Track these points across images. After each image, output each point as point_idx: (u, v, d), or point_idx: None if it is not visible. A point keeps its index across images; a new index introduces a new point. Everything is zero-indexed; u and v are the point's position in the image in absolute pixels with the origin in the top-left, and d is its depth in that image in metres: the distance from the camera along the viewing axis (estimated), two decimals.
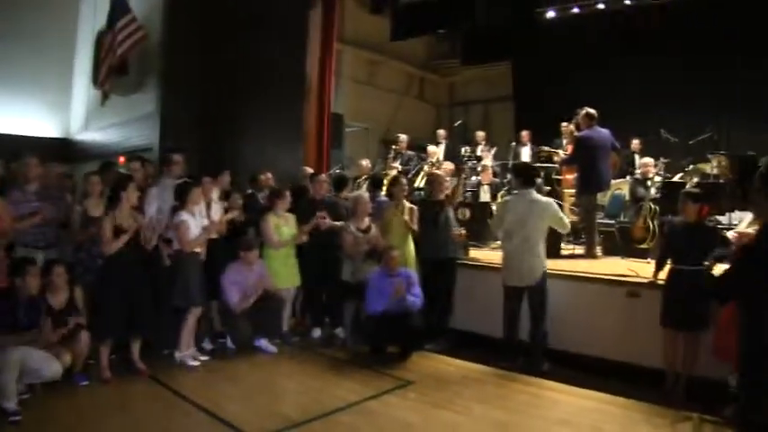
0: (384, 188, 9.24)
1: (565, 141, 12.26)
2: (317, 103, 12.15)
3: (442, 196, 7.91)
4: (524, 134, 13.69)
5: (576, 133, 11.68)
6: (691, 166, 10.24)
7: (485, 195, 11.49)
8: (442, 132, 14.42)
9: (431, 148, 13.25)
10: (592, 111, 9.20)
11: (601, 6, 14.36)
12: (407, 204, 7.73)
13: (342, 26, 15.79)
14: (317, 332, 8.24)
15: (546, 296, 6.92)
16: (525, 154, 13.43)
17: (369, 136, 15.68)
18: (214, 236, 7.20)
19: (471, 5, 13.53)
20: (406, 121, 17.22)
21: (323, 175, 8.78)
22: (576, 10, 14.75)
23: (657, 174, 9.74)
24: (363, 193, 8.74)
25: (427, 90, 19.17)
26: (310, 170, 10.01)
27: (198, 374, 6.59)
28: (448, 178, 9.26)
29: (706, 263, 5.91)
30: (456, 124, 14.90)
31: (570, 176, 11.69)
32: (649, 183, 9.99)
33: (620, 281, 7.00)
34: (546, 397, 6.09)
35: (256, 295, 7.32)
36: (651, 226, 8.93)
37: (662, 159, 10.47)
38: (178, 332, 6.77)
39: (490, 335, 7.43)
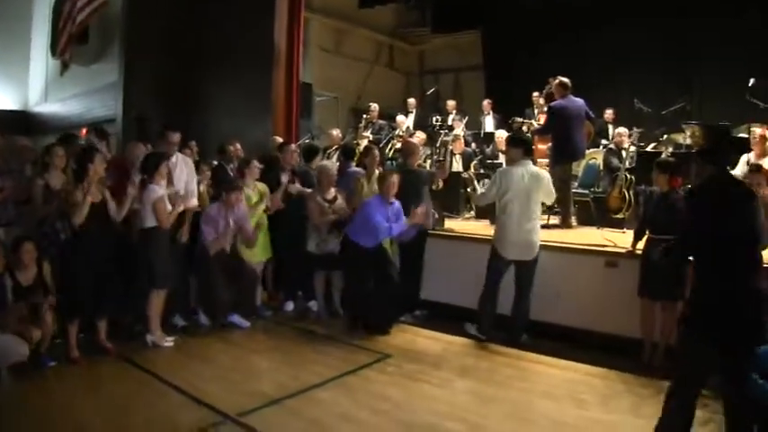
0: (356, 158, 9.09)
1: (536, 111, 12.20)
2: (286, 72, 11.85)
3: (416, 164, 7.83)
4: (486, 103, 13.72)
5: (548, 103, 11.80)
6: (665, 136, 10.20)
7: (456, 165, 11.37)
8: (412, 101, 14.27)
9: (400, 117, 13.10)
10: (565, 80, 9.11)
11: None
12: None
13: None
14: (289, 305, 8.13)
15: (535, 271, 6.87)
16: (489, 123, 13.37)
17: (338, 105, 15.41)
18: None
19: None
20: (376, 90, 16.96)
21: (293, 145, 8.63)
22: None
23: (632, 144, 9.68)
24: (328, 162, 8.53)
25: (397, 58, 18.90)
26: (280, 140, 9.81)
27: (171, 353, 6.42)
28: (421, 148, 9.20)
29: None
30: (429, 92, 14.73)
31: (543, 146, 11.63)
32: (624, 153, 9.98)
33: (597, 251, 6.97)
34: (527, 369, 6.07)
35: (231, 237, 7.21)
36: (627, 196, 8.92)
37: (635, 129, 10.41)
38: (146, 313, 6.55)
39: (466, 306, 7.30)
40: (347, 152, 8.98)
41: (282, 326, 7.47)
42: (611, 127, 12.01)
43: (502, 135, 11.05)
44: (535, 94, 12.44)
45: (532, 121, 11.07)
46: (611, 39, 13.26)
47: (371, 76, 17.63)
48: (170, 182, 6.67)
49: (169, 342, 6.61)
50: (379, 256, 7.12)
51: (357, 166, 8.61)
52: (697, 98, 11.60)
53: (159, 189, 6.37)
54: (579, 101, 9.01)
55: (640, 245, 6.31)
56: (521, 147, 7.04)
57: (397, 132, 12.46)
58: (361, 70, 17.43)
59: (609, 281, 6.66)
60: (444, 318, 7.60)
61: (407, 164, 7.74)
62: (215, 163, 8.48)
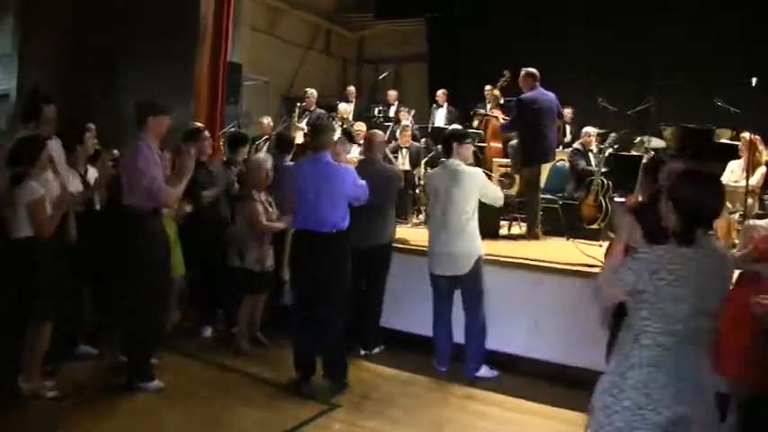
0: (292, 151, 7.54)
1: (489, 106, 10.99)
2: (212, 51, 10.19)
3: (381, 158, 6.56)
4: (440, 94, 12.35)
5: (504, 96, 10.62)
6: (638, 138, 9.09)
7: (404, 162, 10.00)
8: (352, 90, 12.83)
9: (342, 106, 11.65)
10: (532, 70, 7.91)
11: None
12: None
13: None
14: (207, 331, 6.59)
15: (481, 288, 5.61)
16: (441, 116, 12.10)
17: (269, 91, 13.81)
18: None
19: None
20: (311, 77, 15.40)
21: (206, 132, 6.89)
22: None
23: (610, 146, 8.48)
24: (262, 155, 6.91)
25: (334, 44, 17.38)
26: (199, 126, 8.16)
27: (48, 407, 4.71)
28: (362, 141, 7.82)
29: None
30: (381, 77, 13.15)
31: (496, 144, 10.45)
32: (590, 155, 8.85)
33: (579, 270, 5.73)
34: (491, 416, 4.92)
35: None
36: (603, 204, 7.71)
37: (593, 129, 9.30)
38: (19, 353, 4.81)
39: (424, 334, 5.99)
40: (282, 143, 7.29)
41: (196, 359, 5.91)
42: (568, 127, 11.02)
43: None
44: (488, 87, 11.20)
45: (497, 114, 9.72)
46: (570, 32, 12.11)
47: (306, 61, 16.07)
48: (55, 172, 5.06)
49: (52, 391, 4.86)
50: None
51: (293, 160, 7.05)
52: (661, 99, 10.53)
53: (38, 186, 4.74)
54: (551, 94, 7.84)
55: None
56: (443, 143, 5.98)
57: (338, 122, 11.01)
58: (294, 54, 15.85)
59: (592, 306, 5.37)
60: (405, 349, 6.22)
61: (372, 158, 6.30)
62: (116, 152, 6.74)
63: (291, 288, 5.70)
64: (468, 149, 5.78)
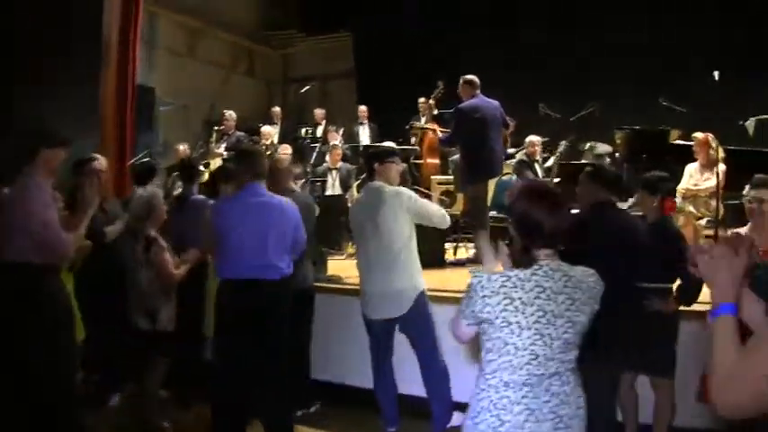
0: (204, 181, 6.47)
1: (424, 120, 10.21)
2: (118, 74, 9.18)
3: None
4: (362, 110, 11.62)
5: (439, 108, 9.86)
6: (588, 145, 8.34)
7: (334, 184, 9.07)
8: (277, 110, 11.89)
9: (265, 128, 10.66)
10: (471, 77, 7.12)
11: None
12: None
13: None
14: (114, 399, 5.47)
15: (431, 328, 4.60)
16: (364, 134, 11.27)
17: (189, 116, 12.69)
18: None
19: None
20: (234, 100, 14.36)
21: (99, 161, 5.69)
22: None
23: (560, 155, 7.70)
24: (151, 190, 5.68)
25: (258, 64, 16.38)
26: (98, 158, 7.01)
27: None
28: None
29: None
30: (303, 90, 12.05)
31: (433, 160, 9.67)
32: (536, 165, 8.08)
33: None
34: None
35: None
36: None
37: (538, 138, 8.59)
38: None
39: (365, 387, 5.04)
40: (187, 172, 6.07)
41: None
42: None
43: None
44: (421, 99, 10.52)
45: (435, 127, 8.85)
46: (505, 38, 11.34)
47: (229, 83, 15.05)
48: None
49: None
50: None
51: (207, 191, 5.97)
52: (605, 103, 9.87)
53: None
54: (494, 102, 7.08)
55: None
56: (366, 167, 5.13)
57: (261, 146, 9.99)
58: (216, 77, 14.82)
59: None
60: (348, 406, 5.28)
61: (282, 189, 5.26)
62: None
63: (219, 355, 4.59)
64: (392, 169, 4.74)
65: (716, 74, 7.23)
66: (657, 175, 4.40)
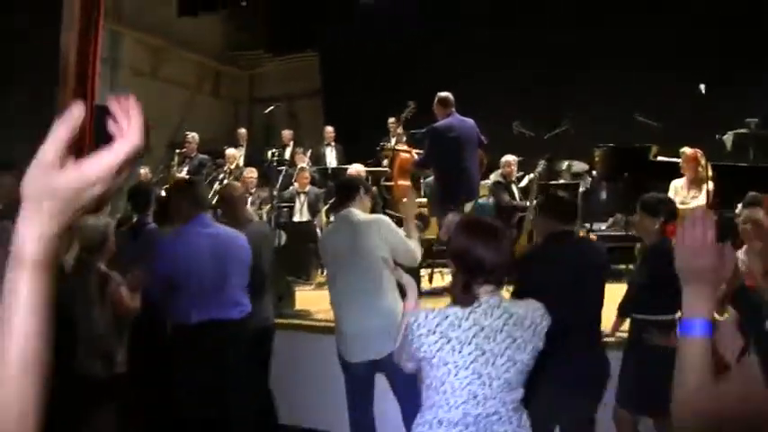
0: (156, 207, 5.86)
1: (394, 141, 9.82)
2: (76, 92, 8.68)
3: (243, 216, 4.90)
4: (329, 131, 11.23)
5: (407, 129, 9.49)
6: (566, 164, 8.05)
7: (302, 209, 8.64)
8: (242, 132, 11.44)
9: (230, 150, 10.18)
10: (446, 94, 6.76)
11: None
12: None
13: (120, 2, 12.47)
14: None
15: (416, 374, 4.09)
16: (331, 155, 10.88)
17: (152, 138, 12.20)
18: None
19: None
20: (200, 121, 13.97)
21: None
22: None
23: (538, 175, 7.37)
24: (93, 220, 4.97)
25: (224, 85, 15.95)
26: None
27: None
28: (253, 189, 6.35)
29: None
30: (267, 111, 11.59)
31: (405, 182, 9.27)
32: (513, 186, 7.75)
33: None
34: None
35: None
36: None
37: (513, 158, 8.29)
38: None
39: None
40: (141, 199, 5.31)
41: None
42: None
43: (358, 169, 8.52)
44: (391, 120, 10.09)
45: (407, 148, 8.47)
46: (477, 55, 11.03)
47: (194, 104, 14.59)
48: None
49: None
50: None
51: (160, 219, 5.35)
52: (579, 120, 9.61)
53: None
54: (469, 121, 6.72)
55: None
56: (339, 191, 4.53)
57: (226, 169, 9.54)
58: (182, 98, 14.36)
59: None
60: None
61: (238, 217, 4.81)
62: None
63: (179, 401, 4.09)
64: (367, 201, 4.33)
65: (702, 87, 7.00)
66: (657, 196, 4.13)
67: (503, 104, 10.16)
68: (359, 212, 4.14)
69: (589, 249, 3.97)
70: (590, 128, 9.54)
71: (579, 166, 8.61)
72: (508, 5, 11.02)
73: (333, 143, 11.12)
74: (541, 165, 7.36)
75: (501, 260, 2.34)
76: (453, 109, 6.68)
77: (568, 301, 3.26)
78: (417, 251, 4.12)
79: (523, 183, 8.56)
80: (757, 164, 7.56)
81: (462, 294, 2.32)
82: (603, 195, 8.24)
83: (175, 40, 13.86)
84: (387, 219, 4.19)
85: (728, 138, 7.95)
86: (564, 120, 9.24)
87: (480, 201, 7.25)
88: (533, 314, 2.37)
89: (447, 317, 2.29)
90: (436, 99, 6.75)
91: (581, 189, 6.49)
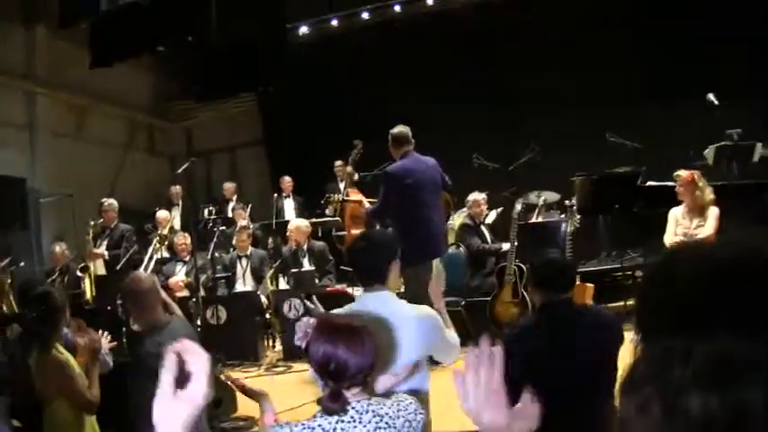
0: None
1: (342, 185, 8.68)
2: None
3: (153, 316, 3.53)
4: (286, 182, 10.02)
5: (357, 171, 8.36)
6: (543, 198, 6.92)
7: (243, 275, 7.34)
8: (176, 190, 10.07)
9: (161, 213, 8.89)
10: (400, 129, 5.58)
11: (365, 16, 10.67)
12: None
13: (32, 60, 11.18)
14: None
15: None
16: (289, 208, 9.66)
17: (78, 207, 10.68)
18: None
19: (201, 15, 9.26)
20: (135, 181, 12.64)
21: None
22: (334, 22, 10.99)
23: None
24: None
25: (159, 140, 14.50)
26: None
27: None
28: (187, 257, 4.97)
29: None
30: (184, 166, 9.83)
31: (357, 231, 8.08)
32: (483, 228, 6.59)
33: None
34: None
35: None
36: (526, 298, 5.37)
37: (481, 195, 7.15)
38: None
39: None
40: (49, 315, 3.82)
41: None
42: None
43: (300, 225, 7.33)
44: (338, 163, 9.20)
45: (360, 197, 7.16)
46: (425, 88, 9.88)
47: (127, 163, 13.16)
48: None
49: None
50: None
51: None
52: (545, 147, 8.54)
53: None
54: (429, 160, 5.58)
55: None
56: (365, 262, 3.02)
57: (156, 235, 8.18)
58: (112, 158, 12.92)
59: None
60: None
61: (145, 319, 3.45)
62: None
63: None
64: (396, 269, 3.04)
65: (711, 96, 6.01)
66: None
67: (459, 136, 9.00)
68: (391, 295, 2.93)
69: (595, 323, 3.18)
70: (558, 154, 8.55)
71: (551, 196, 7.55)
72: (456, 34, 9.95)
73: (291, 194, 9.90)
74: (520, 203, 6.17)
75: (366, 362, 2.14)
76: (411, 147, 5.50)
77: (564, 385, 2.59)
78: (458, 345, 3.04)
79: (490, 219, 7.44)
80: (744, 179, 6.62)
81: (329, 403, 2.10)
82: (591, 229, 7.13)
83: (99, 96, 12.46)
84: (432, 312, 2.93)
85: (710, 152, 7.07)
86: (528, 148, 8.26)
87: (451, 251, 6.02)
88: (405, 411, 2.18)
89: (312, 430, 2.08)
90: (390, 137, 5.58)
91: (567, 228, 5.31)
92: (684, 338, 0.81)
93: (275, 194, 9.90)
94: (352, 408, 2.08)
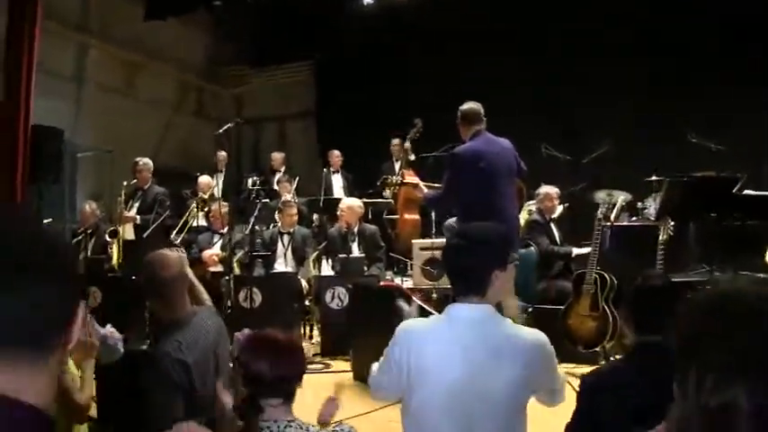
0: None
1: (398, 166, 7.98)
2: (5, 109, 6.81)
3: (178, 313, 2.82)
4: (335, 157, 9.37)
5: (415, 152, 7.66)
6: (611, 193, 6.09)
7: (284, 255, 6.64)
8: (222, 155, 9.37)
9: (203, 178, 8.24)
10: (471, 105, 4.77)
11: None
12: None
13: (86, 12, 10.75)
14: None
15: None
16: (337, 185, 8.98)
17: (117, 164, 10.00)
18: None
19: None
20: (181, 144, 12.07)
21: None
22: None
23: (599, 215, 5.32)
24: None
25: (207, 104, 13.95)
26: None
27: None
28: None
29: None
30: (227, 126, 8.89)
31: (412, 216, 7.39)
32: (553, 226, 5.78)
33: None
34: None
35: None
36: (608, 312, 4.53)
37: (554, 189, 6.34)
38: None
39: None
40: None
41: None
42: None
43: (353, 205, 6.60)
44: (395, 141, 8.48)
45: (416, 181, 6.30)
46: (498, 67, 8.98)
47: (174, 125, 12.61)
48: None
49: None
50: None
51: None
52: (623, 141, 7.70)
53: None
54: (505, 142, 4.75)
55: None
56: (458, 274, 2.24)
57: (193, 200, 7.54)
58: (159, 118, 12.38)
59: None
60: None
61: (170, 309, 2.75)
62: None
63: None
64: (511, 275, 2.30)
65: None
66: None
67: (527, 122, 8.12)
68: (497, 314, 2.19)
69: None
70: (630, 152, 7.72)
71: (621, 196, 6.70)
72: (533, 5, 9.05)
73: (340, 170, 9.21)
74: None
75: (285, 374, 2.15)
76: (483, 126, 4.69)
77: None
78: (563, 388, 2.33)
79: (556, 213, 6.63)
80: None
81: (242, 404, 2.12)
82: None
83: (151, 53, 11.92)
84: (544, 338, 2.18)
85: None
86: (604, 142, 7.43)
87: (522, 251, 5.19)
88: None
89: None
90: (459, 114, 4.78)
91: (661, 236, 4.48)
92: None
93: (324, 169, 9.20)
94: (268, 429, 2.06)
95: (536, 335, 2.16)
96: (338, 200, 7.42)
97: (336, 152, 9.39)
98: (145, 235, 6.33)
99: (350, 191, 8.78)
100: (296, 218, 6.89)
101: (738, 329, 0.90)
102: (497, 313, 2.16)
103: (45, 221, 7.22)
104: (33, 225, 0.98)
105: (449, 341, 2.09)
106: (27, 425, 0.80)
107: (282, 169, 9.65)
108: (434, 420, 2.07)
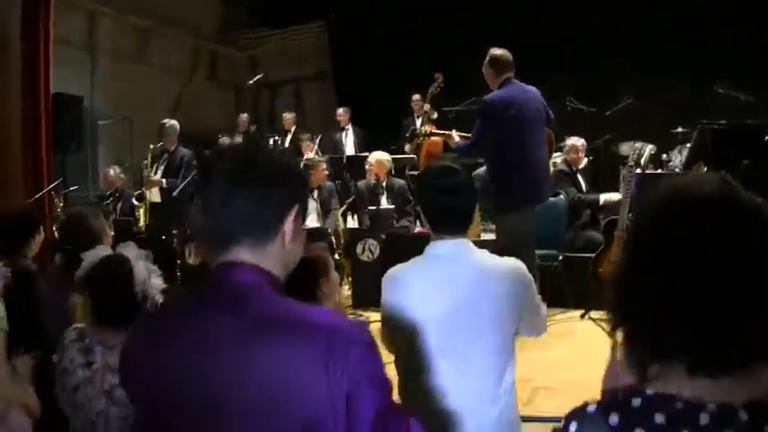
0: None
1: (419, 121, 7.94)
2: (24, 77, 6.79)
3: None
4: (341, 113, 9.46)
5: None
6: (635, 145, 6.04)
7: (315, 210, 6.70)
8: (243, 118, 9.39)
9: (223, 140, 8.21)
10: (499, 52, 4.71)
11: None
12: None
13: None
14: None
15: None
16: (348, 141, 9.00)
17: (137, 131, 10.03)
18: None
19: None
20: (197, 109, 12.04)
21: None
22: None
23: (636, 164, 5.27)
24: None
25: (222, 68, 13.90)
26: None
27: None
28: None
29: None
30: (256, 78, 9.51)
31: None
32: (579, 176, 5.76)
33: None
34: None
35: None
36: None
37: (580, 140, 6.30)
38: None
39: None
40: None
41: None
42: None
43: (382, 158, 6.61)
44: (415, 96, 8.45)
45: (451, 132, 6.25)
46: (516, 18, 8.88)
47: (189, 90, 12.60)
48: None
49: None
50: None
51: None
52: (648, 94, 7.65)
53: None
54: (533, 90, 4.66)
55: None
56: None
57: None
58: (174, 84, 12.36)
59: None
60: None
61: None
62: None
63: None
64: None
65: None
66: None
67: (551, 75, 8.03)
68: (476, 248, 2.21)
69: None
70: (657, 102, 7.64)
71: (647, 148, 6.65)
72: None
73: (349, 126, 9.14)
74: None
75: None
76: (512, 74, 4.64)
77: None
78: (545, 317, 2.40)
79: (581, 165, 6.60)
80: None
81: None
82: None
83: (163, 19, 11.89)
84: (523, 266, 2.22)
85: None
86: (626, 94, 7.40)
87: (551, 200, 5.17)
88: None
89: None
90: (488, 59, 4.75)
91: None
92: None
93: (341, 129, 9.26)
94: None
95: (515, 262, 2.19)
96: (363, 156, 7.41)
97: (341, 110, 9.44)
98: (174, 194, 6.36)
99: (361, 149, 8.76)
100: (325, 173, 6.96)
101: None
102: (474, 246, 2.19)
103: (71, 189, 7.30)
104: (275, 150, 1.58)
105: (433, 279, 2.12)
106: (268, 280, 1.25)
107: (293, 129, 9.67)
108: (426, 359, 2.09)
